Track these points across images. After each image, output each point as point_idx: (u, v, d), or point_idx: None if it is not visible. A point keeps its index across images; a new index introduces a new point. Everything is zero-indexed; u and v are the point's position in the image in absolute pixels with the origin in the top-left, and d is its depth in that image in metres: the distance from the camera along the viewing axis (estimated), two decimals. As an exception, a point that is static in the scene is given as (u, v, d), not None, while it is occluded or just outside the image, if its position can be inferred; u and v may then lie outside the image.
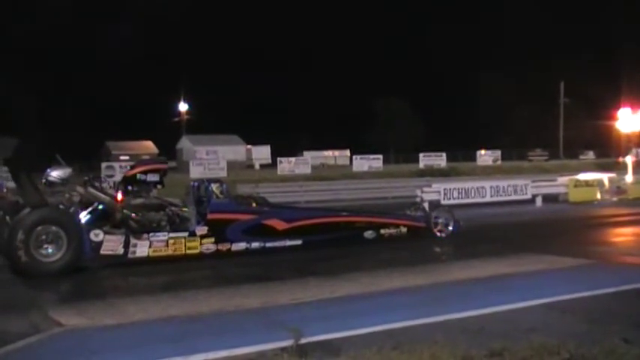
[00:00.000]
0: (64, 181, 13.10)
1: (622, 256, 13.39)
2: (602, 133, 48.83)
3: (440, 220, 15.71)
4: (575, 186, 25.52)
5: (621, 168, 29.82)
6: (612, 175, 27.76)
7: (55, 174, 13.09)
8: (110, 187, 13.65)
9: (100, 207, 12.56)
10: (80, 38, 74.61)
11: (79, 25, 74.51)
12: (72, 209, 12.40)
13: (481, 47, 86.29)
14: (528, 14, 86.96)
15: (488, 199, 24.02)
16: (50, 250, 11.50)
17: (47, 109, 58.30)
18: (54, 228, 11.55)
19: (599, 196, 25.45)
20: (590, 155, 66.78)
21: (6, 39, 62.87)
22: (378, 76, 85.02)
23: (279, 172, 47.79)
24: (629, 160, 29.56)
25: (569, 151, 73.63)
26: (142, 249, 12.40)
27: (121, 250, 12.25)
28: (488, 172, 43.41)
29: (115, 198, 12.87)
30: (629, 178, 27.34)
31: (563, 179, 26.79)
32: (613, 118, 32.61)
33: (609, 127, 35.88)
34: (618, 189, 26.16)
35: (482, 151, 63.57)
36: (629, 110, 31.14)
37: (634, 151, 33.25)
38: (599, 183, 26.10)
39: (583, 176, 27.50)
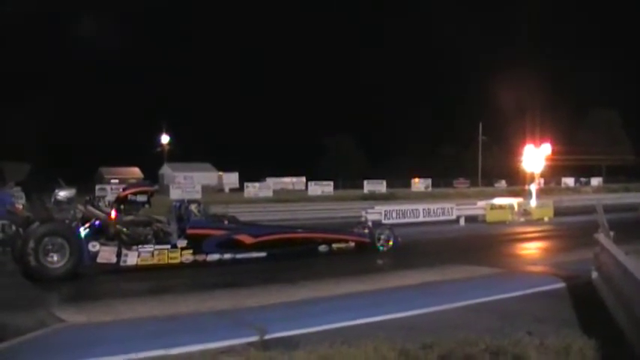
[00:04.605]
0: (69, 200, 12.98)
1: (527, 265, 13.73)
2: (512, 164, 49.75)
3: (382, 237, 15.80)
4: (491, 209, 25.95)
5: (527, 194, 30.43)
6: (520, 200, 28.29)
7: (62, 194, 12.98)
8: (106, 206, 13.47)
9: (97, 222, 12.43)
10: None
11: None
12: (74, 224, 12.29)
13: (410, 96, 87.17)
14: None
15: (421, 219, 24.19)
16: (55, 258, 11.52)
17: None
18: (59, 239, 11.59)
19: (510, 217, 25.89)
20: (503, 183, 67.57)
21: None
22: (330, 116, 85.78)
23: (245, 195, 47.37)
24: (533, 187, 30.16)
25: (486, 180, 74.49)
26: (131, 258, 12.31)
27: (114, 259, 12.16)
28: (421, 197, 43.78)
29: (109, 215, 12.74)
30: (533, 202, 27.87)
31: (481, 203, 27.09)
32: (520, 153, 33.21)
33: (517, 160, 36.54)
34: (525, 211, 26.68)
35: (416, 180, 64.06)
36: (533, 146, 31.82)
37: (537, 180, 33.88)
38: (510, 206, 26.58)
39: (497, 201, 27.98)
